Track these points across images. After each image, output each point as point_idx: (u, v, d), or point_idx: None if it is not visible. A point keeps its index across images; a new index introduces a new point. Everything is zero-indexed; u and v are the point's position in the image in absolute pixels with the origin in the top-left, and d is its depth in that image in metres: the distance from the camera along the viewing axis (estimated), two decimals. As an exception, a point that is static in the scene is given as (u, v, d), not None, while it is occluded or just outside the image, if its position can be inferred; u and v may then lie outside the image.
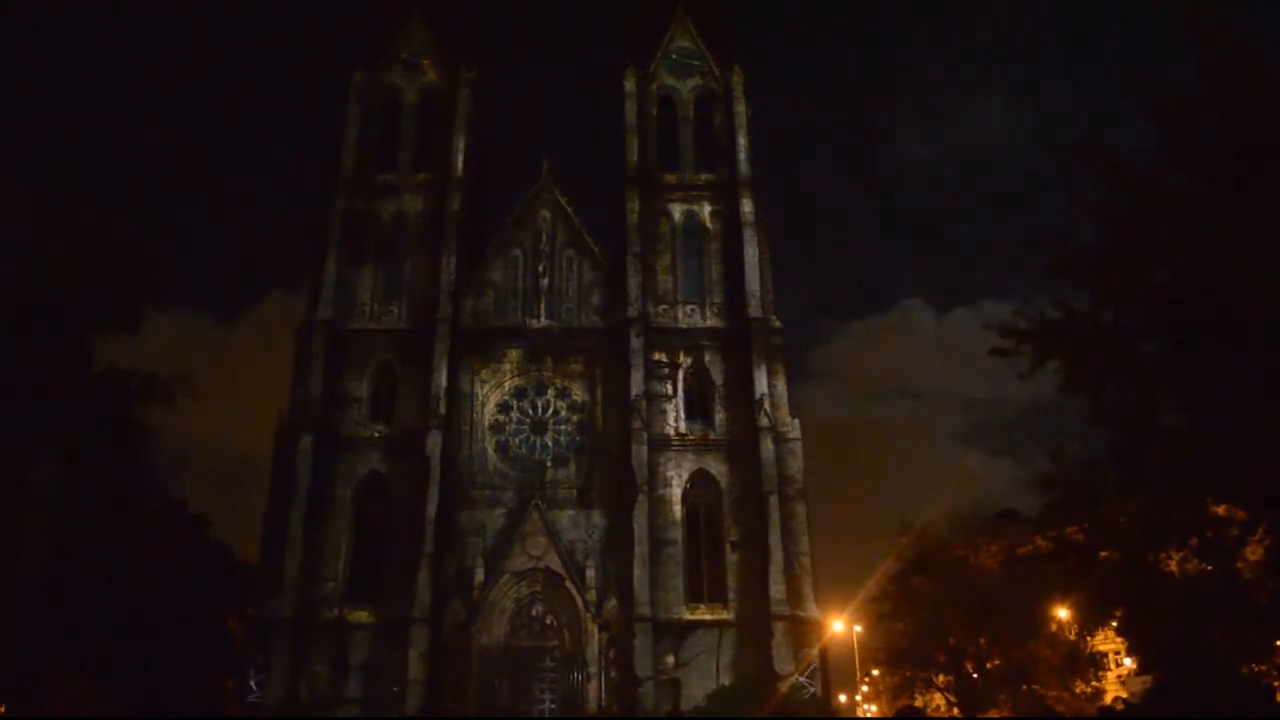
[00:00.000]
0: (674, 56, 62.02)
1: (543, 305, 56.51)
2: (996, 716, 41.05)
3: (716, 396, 54.37)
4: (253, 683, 47.06)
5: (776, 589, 49.22)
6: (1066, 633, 42.36)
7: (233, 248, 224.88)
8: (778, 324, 55.56)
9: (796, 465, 52.60)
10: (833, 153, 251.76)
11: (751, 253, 56.27)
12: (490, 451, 53.57)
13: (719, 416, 54.05)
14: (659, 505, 51.44)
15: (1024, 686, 41.85)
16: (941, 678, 45.90)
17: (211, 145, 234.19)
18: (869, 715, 75.07)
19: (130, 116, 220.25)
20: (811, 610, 50.26)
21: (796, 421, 53.73)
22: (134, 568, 32.78)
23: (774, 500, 50.69)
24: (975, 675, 43.57)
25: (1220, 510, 21.53)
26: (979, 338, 24.61)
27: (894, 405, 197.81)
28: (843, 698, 72.79)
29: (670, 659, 48.71)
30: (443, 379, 52.96)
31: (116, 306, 29.51)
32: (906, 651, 46.88)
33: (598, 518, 51.79)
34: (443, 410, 52.30)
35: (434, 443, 51.41)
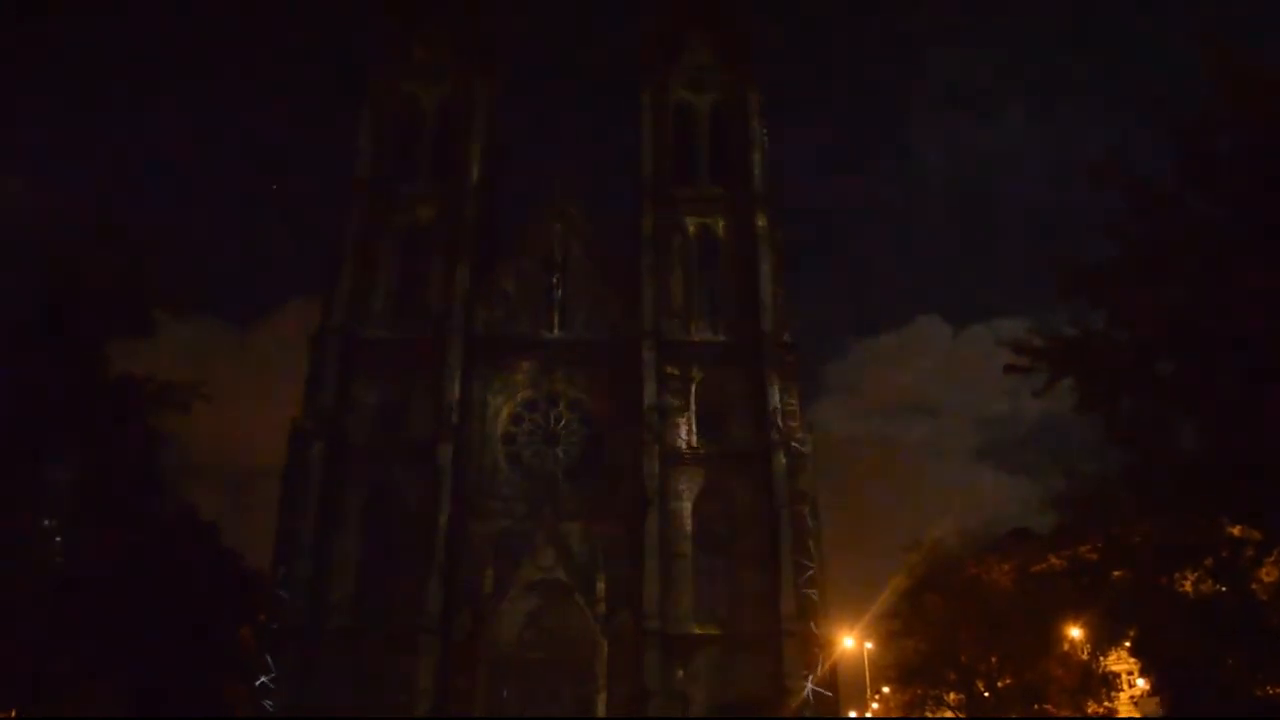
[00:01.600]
0: (691, 71, 62.17)
1: (555, 316, 56.54)
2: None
3: (728, 410, 54.28)
4: (262, 688, 47.01)
5: (787, 604, 49.04)
6: (1079, 652, 42.02)
7: (253, 255, 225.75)
8: (790, 339, 55.45)
9: (808, 480, 52.47)
10: (849, 167, 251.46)
11: (765, 267, 56.24)
12: (502, 462, 53.56)
13: (731, 430, 53.94)
14: (670, 518, 51.30)
15: (1036, 706, 41.54)
16: (953, 696, 45.56)
17: (231, 151, 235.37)
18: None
19: (148, 121, 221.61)
20: (822, 626, 50.03)
21: (809, 436, 53.62)
22: (144, 573, 32.80)
23: (785, 515, 50.57)
24: (987, 694, 43.26)
25: (1235, 531, 21.37)
26: (995, 355, 24.51)
27: (908, 422, 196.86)
28: (853, 714, 72.34)
29: (679, 672, 48.56)
30: (455, 389, 53.00)
31: (130, 312, 29.62)
32: (917, 669, 46.55)
33: (608, 530, 51.63)
34: (455, 420, 52.32)
35: (445, 452, 51.40)
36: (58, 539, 29.64)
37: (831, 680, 49.56)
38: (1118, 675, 44.08)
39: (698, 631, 49.96)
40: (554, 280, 57.21)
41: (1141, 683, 39.20)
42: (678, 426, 53.67)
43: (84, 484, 28.36)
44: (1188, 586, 22.43)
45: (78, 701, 30.57)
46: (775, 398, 53.04)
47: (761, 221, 57.53)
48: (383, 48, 62.80)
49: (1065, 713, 40.92)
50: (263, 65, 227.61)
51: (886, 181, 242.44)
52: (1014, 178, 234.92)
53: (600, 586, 49.55)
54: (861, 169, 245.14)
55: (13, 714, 30.86)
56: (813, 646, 49.06)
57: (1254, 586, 21.61)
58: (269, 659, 47.59)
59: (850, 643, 55.83)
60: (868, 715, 74.44)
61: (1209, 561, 21.54)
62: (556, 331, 56.22)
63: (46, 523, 28.75)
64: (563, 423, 54.70)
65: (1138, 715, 41.80)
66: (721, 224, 58.77)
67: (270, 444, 53.73)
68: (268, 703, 46.81)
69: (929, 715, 47.56)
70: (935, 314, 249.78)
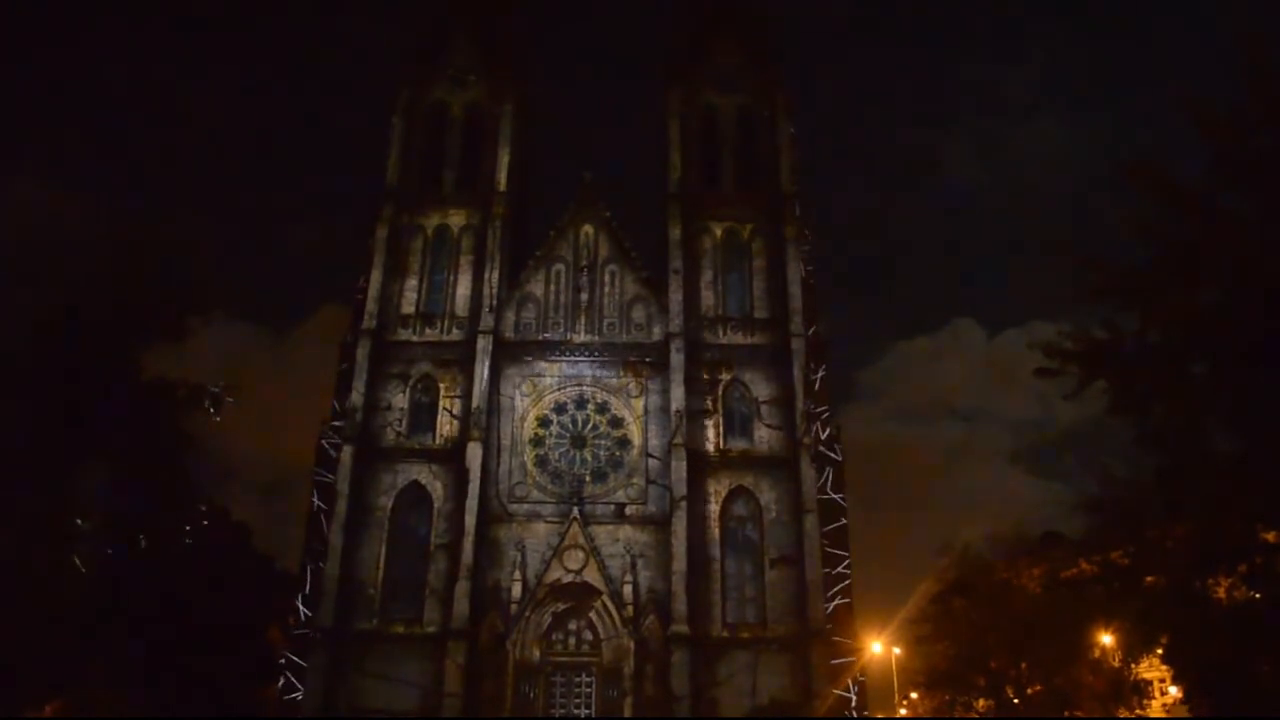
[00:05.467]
0: (718, 73, 62.09)
1: (584, 320, 56.60)
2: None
3: (757, 413, 54.17)
4: (291, 689, 47.39)
5: (815, 609, 48.81)
6: (1110, 659, 41.76)
7: (289, 261, 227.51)
8: (821, 341, 55.27)
9: (837, 484, 52.24)
10: (883, 171, 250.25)
11: (793, 270, 56.10)
12: (530, 465, 53.64)
13: (759, 433, 53.81)
14: (698, 521, 51.21)
15: (1066, 713, 41.26)
16: (982, 702, 45.35)
17: (266, 158, 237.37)
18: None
19: (183, 127, 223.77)
20: (850, 631, 49.82)
21: (839, 440, 53.39)
22: (176, 574, 33.17)
23: (813, 519, 50.36)
24: (1016, 700, 43.02)
25: (1270, 536, 21.14)
26: (1029, 359, 24.31)
27: (941, 426, 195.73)
28: (880, 718, 72.03)
29: (707, 677, 48.41)
30: (484, 392, 53.19)
31: (164, 318, 29.96)
32: (946, 675, 46.37)
33: (636, 533, 51.65)
34: (483, 423, 52.51)
35: (474, 455, 51.58)
36: (90, 540, 29.97)
37: (860, 685, 49.33)
38: (1149, 683, 43.77)
39: (725, 636, 49.80)
40: (582, 283, 57.34)
41: (1174, 690, 38.91)
42: (706, 429, 53.62)
43: (116, 486, 28.68)
44: (1221, 592, 22.22)
45: (110, 700, 30.93)
46: (804, 401, 52.87)
47: (790, 224, 57.39)
48: (412, 55, 63.18)
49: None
50: (296, 72, 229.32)
51: (922, 185, 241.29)
52: (1051, 181, 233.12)
53: (628, 590, 49.60)
54: (896, 171, 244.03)
55: (47, 712, 31.26)
56: (841, 651, 48.84)
57: (1289, 593, 21.37)
58: (298, 659, 48.02)
59: (878, 648, 55.63)
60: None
61: (1243, 567, 21.33)
62: (585, 335, 56.29)
63: (80, 523, 29.10)
64: (590, 425, 54.74)
65: (1170, 722, 41.43)
66: (749, 227, 58.65)
67: (303, 447, 54.13)
68: (295, 698, 47.19)
69: (958, 720, 47.35)
70: (970, 317, 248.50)
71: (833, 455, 52.73)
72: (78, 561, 28.67)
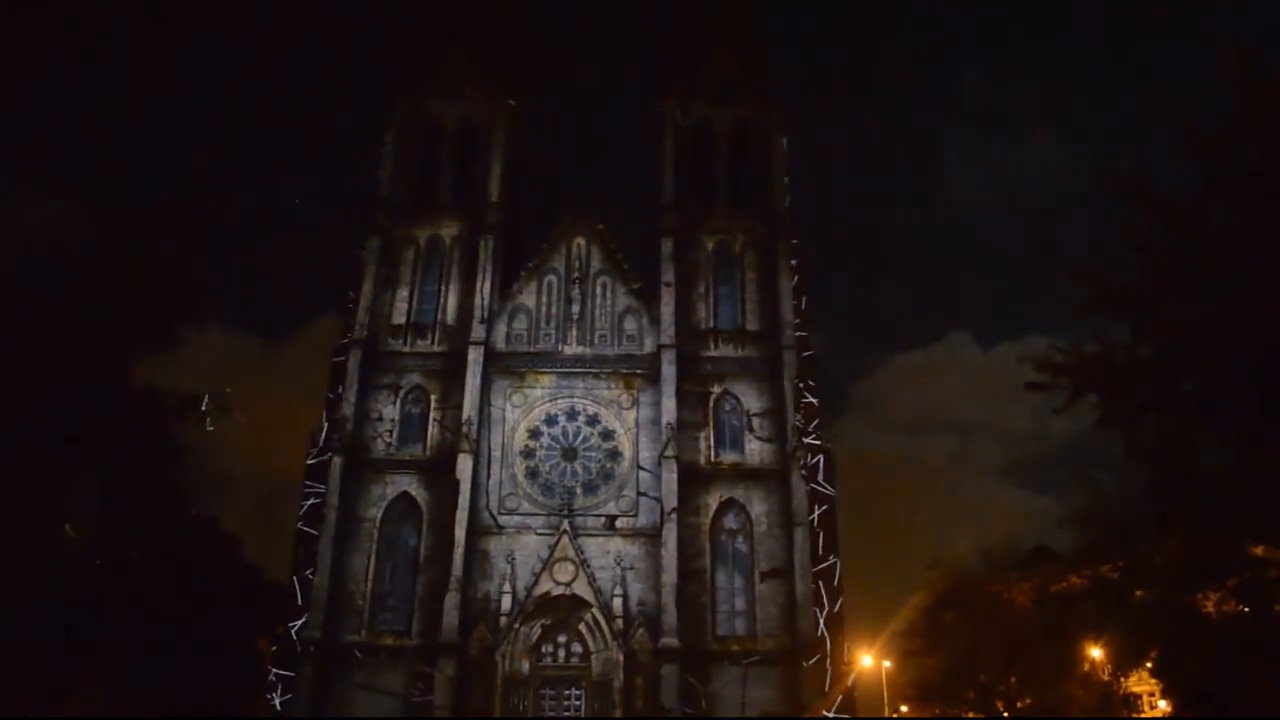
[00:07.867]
0: (713, 87, 62.26)
1: (575, 331, 56.63)
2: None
3: (748, 426, 54.19)
4: (278, 702, 47.13)
5: (805, 621, 48.79)
6: (1100, 673, 41.77)
7: (284, 271, 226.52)
8: (811, 354, 55.34)
9: (828, 497, 52.20)
10: (878, 186, 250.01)
11: (785, 283, 56.21)
12: (520, 477, 53.55)
13: (750, 446, 53.84)
14: (688, 534, 51.17)
15: (1056, 727, 41.23)
16: (972, 715, 45.32)
17: (260, 168, 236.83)
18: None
19: (179, 139, 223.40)
20: (841, 644, 49.67)
21: (829, 453, 53.38)
22: (164, 585, 32.98)
23: (804, 531, 50.37)
24: (1006, 714, 43.02)
25: (1259, 551, 21.15)
26: (1022, 372, 24.31)
27: (934, 439, 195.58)
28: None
29: (697, 690, 48.31)
30: (475, 403, 53.13)
31: (156, 326, 29.85)
32: (936, 688, 46.35)
33: (626, 545, 51.58)
34: (474, 434, 52.43)
35: (464, 466, 51.49)
36: (80, 550, 29.79)
37: (850, 698, 49.19)
38: (1139, 696, 43.80)
39: (716, 648, 49.73)
40: (574, 295, 57.36)
41: (1163, 704, 38.93)
42: (697, 441, 53.60)
43: (107, 496, 28.51)
44: (1211, 607, 22.19)
45: (94, 709, 30.74)
46: (795, 413, 52.91)
47: (782, 237, 57.56)
48: (407, 67, 63.28)
49: (1086, 733, 40.59)
50: (290, 82, 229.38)
51: (917, 199, 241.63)
52: (1046, 197, 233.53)
53: (618, 603, 49.48)
54: (891, 186, 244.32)
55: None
56: (831, 664, 48.70)
57: (1277, 608, 21.38)
58: (286, 672, 47.78)
59: (869, 661, 55.58)
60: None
61: (1233, 582, 21.30)
62: (576, 346, 56.31)
63: (69, 532, 28.92)
64: (581, 437, 54.68)
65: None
66: (742, 240, 58.79)
67: (295, 458, 53.98)
68: (283, 710, 46.93)
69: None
70: (965, 331, 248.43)
71: (823, 468, 52.69)
72: (70, 566, 28.50)
